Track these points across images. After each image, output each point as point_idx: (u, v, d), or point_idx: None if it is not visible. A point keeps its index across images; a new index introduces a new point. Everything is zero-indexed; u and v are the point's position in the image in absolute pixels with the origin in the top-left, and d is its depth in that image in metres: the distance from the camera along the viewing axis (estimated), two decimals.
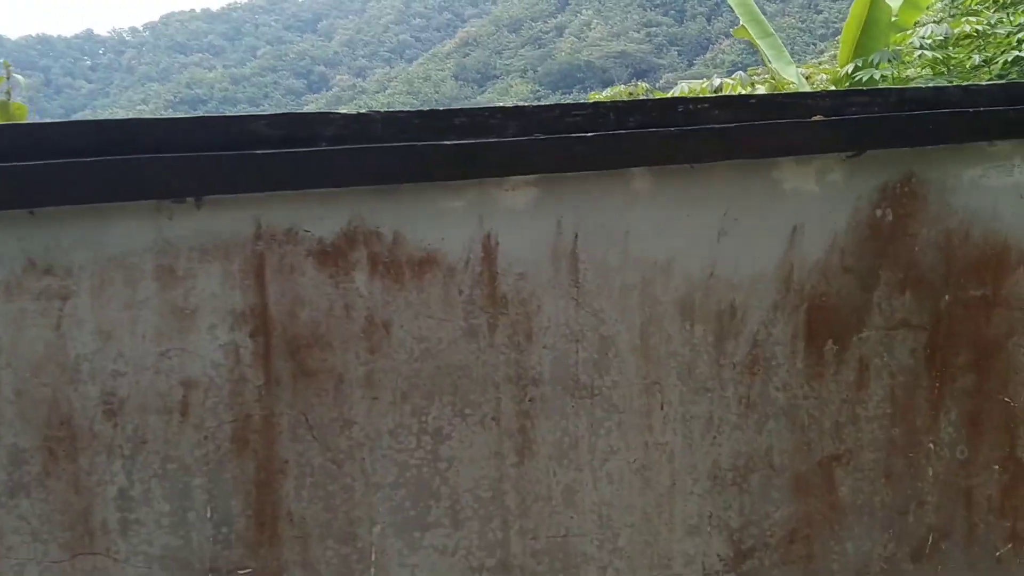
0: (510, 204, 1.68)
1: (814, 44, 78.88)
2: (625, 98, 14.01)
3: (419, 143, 1.60)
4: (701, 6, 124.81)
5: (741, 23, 8.57)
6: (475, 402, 1.71)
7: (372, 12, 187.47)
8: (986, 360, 1.97)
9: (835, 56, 23.38)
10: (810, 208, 1.84)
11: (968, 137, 1.86)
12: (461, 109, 1.66)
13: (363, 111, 1.66)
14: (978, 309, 1.95)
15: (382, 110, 1.68)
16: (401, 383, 1.68)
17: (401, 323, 1.66)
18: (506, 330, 1.71)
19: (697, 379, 1.83)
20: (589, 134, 1.66)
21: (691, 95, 7.31)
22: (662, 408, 1.81)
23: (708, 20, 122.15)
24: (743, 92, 7.47)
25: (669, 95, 7.14)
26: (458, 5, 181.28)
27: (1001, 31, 6.83)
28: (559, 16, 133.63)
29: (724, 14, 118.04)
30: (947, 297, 1.94)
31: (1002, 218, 1.94)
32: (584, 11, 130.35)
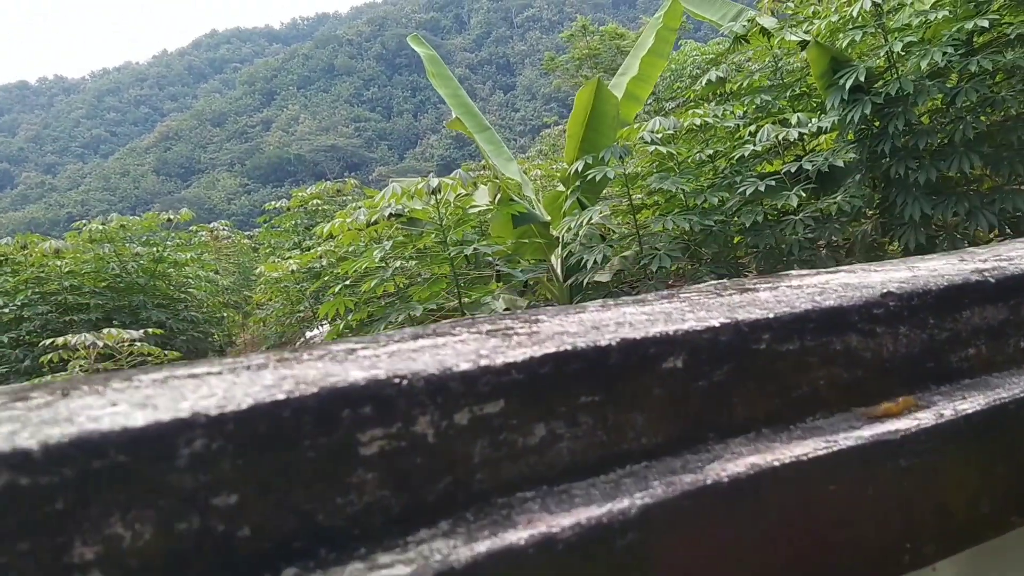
0: None
1: (514, 140, 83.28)
2: (332, 194, 12.62)
3: None
4: (407, 103, 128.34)
5: (455, 115, 7.57)
6: None
7: (60, 106, 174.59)
8: None
9: (542, 151, 23.73)
10: None
11: None
12: None
13: None
14: None
15: None
16: None
17: None
18: None
19: None
20: None
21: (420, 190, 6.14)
22: None
23: (415, 116, 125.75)
24: (464, 192, 6.33)
25: (380, 196, 5.84)
26: (156, 99, 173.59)
27: (729, 124, 6.31)
28: (264, 111, 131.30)
29: (429, 111, 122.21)
30: None
31: None
32: (290, 106, 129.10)
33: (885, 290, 0.47)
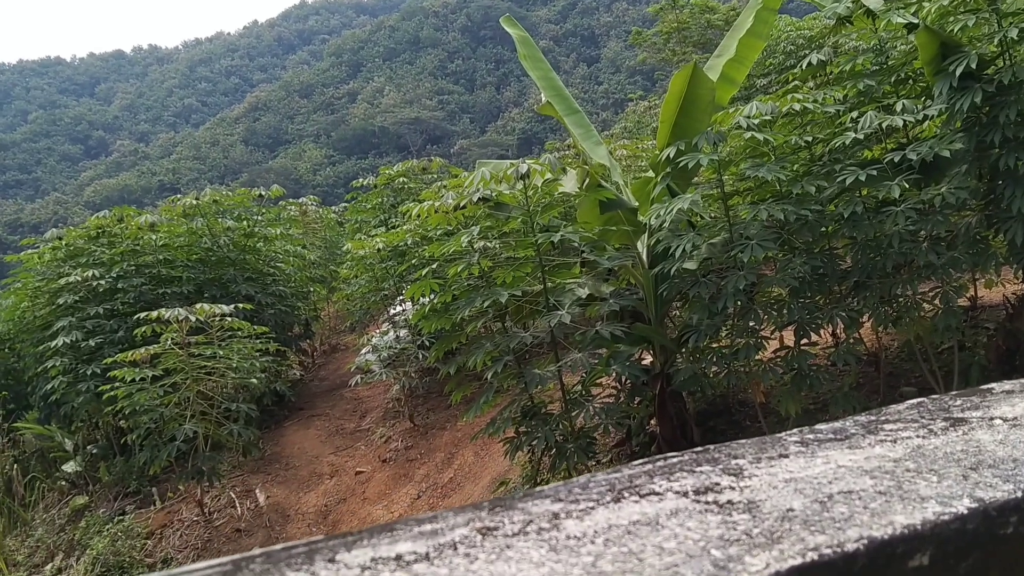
0: None
1: (597, 113, 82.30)
2: (418, 172, 12.70)
3: None
4: (490, 76, 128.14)
5: (545, 99, 7.49)
6: None
7: (154, 76, 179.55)
8: None
9: (627, 129, 23.38)
10: None
11: None
12: None
13: None
14: None
15: None
16: None
17: None
18: None
19: None
20: None
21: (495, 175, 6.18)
22: None
23: (497, 89, 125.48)
24: (552, 178, 6.30)
25: (469, 177, 5.88)
26: (246, 70, 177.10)
27: (830, 109, 6.11)
28: (351, 83, 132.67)
29: (512, 84, 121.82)
30: None
31: None
32: (376, 78, 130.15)
33: None
